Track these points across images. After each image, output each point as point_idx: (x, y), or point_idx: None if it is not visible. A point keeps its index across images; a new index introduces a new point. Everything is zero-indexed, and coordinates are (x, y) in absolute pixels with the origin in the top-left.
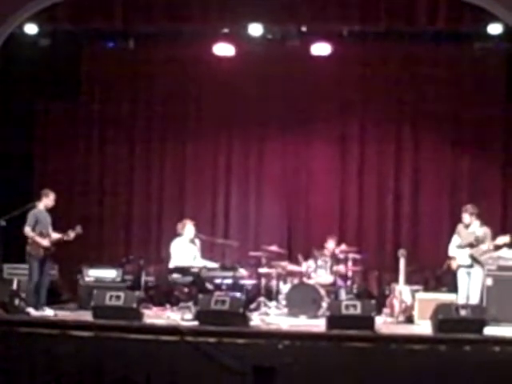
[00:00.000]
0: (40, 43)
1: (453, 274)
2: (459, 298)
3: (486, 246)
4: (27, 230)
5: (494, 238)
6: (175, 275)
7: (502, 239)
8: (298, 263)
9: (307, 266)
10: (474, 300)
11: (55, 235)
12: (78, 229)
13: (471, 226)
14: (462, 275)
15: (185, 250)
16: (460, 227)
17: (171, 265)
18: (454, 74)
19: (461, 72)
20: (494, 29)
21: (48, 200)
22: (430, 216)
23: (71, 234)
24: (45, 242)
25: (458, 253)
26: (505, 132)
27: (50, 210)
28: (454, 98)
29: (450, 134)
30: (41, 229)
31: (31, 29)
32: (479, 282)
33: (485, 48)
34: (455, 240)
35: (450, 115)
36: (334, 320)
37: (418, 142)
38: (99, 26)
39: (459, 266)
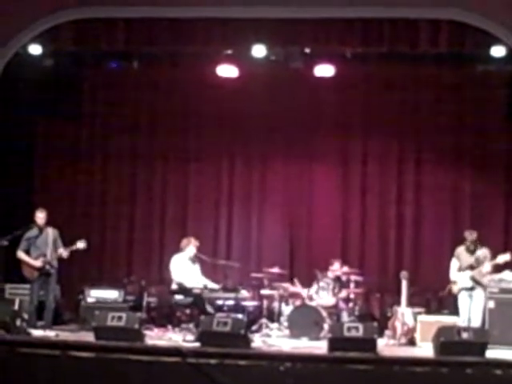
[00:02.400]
0: (43, 64)
1: (454, 297)
2: (461, 321)
3: (486, 267)
4: (18, 253)
5: (494, 257)
6: (177, 296)
7: (503, 257)
8: (300, 283)
9: (307, 289)
10: (476, 323)
11: (54, 254)
12: (80, 244)
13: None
14: (463, 298)
15: (184, 267)
16: (459, 250)
17: (173, 282)
18: (457, 96)
19: (463, 94)
20: (497, 51)
21: (36, 218)
22: (432, 238)
23: (65, 253)
24: (37, 264)
25: (458, 276)
26: (507, 154)
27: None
28: (456, 120)
29: (452, 155)
30: (36, 249)
31: (35, 49)
32: (481, 304)
33: (487, 70)
34: (454, 264)
35: (452, 137)
36: (336, 342)
37: (420, 163)
38: (102, 47)
39: (460, 289)
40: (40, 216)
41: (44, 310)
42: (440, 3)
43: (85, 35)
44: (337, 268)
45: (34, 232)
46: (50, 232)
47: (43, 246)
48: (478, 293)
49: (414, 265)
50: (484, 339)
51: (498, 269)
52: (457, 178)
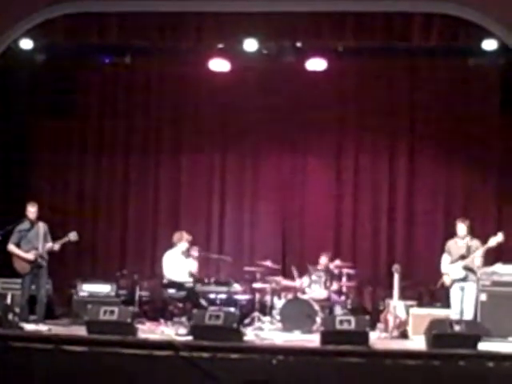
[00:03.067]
0: (35, 58)
1: (446, 290)
2: (453, 314)
3: (477, 260)
4: (9, 246)
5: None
6: (169, 290)
7: (495, 239)
8: (292, 276)
9: (301, 281)
10: (468, 315)
11: (46, 246)
12: (72, 236)
13: (462, 241)
14: (455, 290)
15: (177, 263)
16: (449, 244)
17: (165, 278)
18: (449, 89)
19: (455, 87)
20: (489, 45)
21: (27, 212)
22: (424, 231)
23: (56, 246)
24: (29, 256)
25: (450, 268)
26: (499, 147)
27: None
28: (448, 112)
29: (444, 148)
30: (27, 243)
31: (27, 44)
32: (473, 297)
33: (479, 64)
34: (445, 258)
35: (445, 130)
36: (328, 335)
37: (412, 156)
38: (95, 41)
39: (453, 281)
40: (31, 210)
41: (36, 304)
42: None
43: (77, 29)
44: (324, 262)
45: (25, 225)
46: (41, 226)
47: (34, 240)
48: (470, 285)
49: (406, 258)
50: (476, 332)
51: (489, 261)
52: (449, 172)
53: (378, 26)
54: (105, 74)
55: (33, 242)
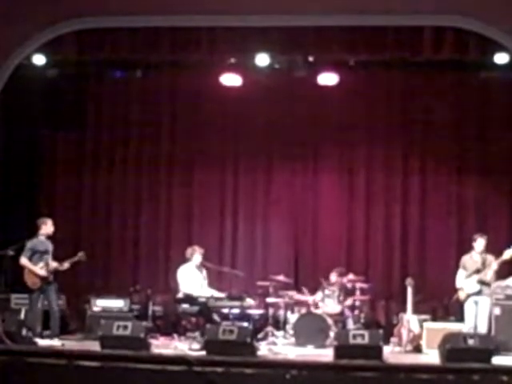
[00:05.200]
0: (47, 74)
1: (460, 304)
2: (466, 328)
3: (490, 273)
4: (22, 259)
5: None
6: (183, 305)
7: (509, 252)
8: (320, 286)
9: (314, 295)
10: (482, 329)
11: (53, 264)
12: (81, 255)
13: (476, 254)
14: (469, 304)
15: (192, 277)
16: (464, 259)
17: (180, 292)
18: (460, 102)
19: (466, 100)
20: (501, 58)
21: (47, 227)
22: (437, 245)
23: (65, 265)
24: (42, 272)
25: (465, 282)
26: (510, 160)
27: (54, 239)
28: (459, 125)
29: (456, 161)
30: (39, 258)
31: (39, 59)
32: (487, 311)
33: (491, 77)
34: (461, 273)
35: (456, 143)
36: (342, 350)
37: (424, 169)
38: (106, 57)
39: (468, 296)
40: (50, 225)
41: (49, 320)
42: (443, 10)
43: (88, 45)
44: (334, 279)
45: (39, 241)
46: (50, 243)
47: (46, 256)
48: (484, 300)
49: (419, 272)
50: (490, 346)
51: (503, 275)
52: (461, 185)
53: (389, 39)
54: (116, 89)
55: (45, 259)
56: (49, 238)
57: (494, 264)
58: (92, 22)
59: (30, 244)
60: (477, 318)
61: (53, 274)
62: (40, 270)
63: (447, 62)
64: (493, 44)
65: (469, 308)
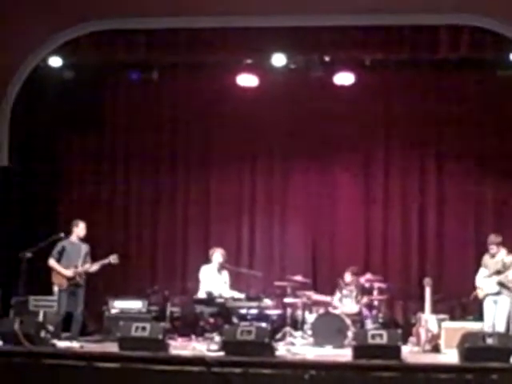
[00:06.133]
0: (64, 76)
1: (479, 303)
2: (486, 327)
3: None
4: (50, 260)
5: None
6: (201, 306)
7: None
8: (338, 286)
9: (333, 296)
10: (501, 328)
11: (82, 266)
12: (113, 258)
13: (498, 255)
14: (488, 304)
15: (213, 278)
16: (485, 258)
17: (200, 292)
18: (478, 101)
19: (484, 100)
20: None
21: (78, 229)
22: (455, 245)
23: (94, 266)
24: (68, 273)
25: (484, 282)
26: None
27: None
28: (477, 125)
29: (473, 162)
30: (67, 260)
31: (55, 61)
32: (506, 310)
33: (507, 75)
34: (482, 272)
35: (474, 143)
36: (361, 349)
37: (442, 169)
38: (122, 58)
39: (486, 295)
40: (82, 227)
41: (71, 322)
42: (460, 9)
43: (105, 47)
44: (349, 279)
45: (69, 242)
46: (83, 246)
47: (75, 258)
48: (503, 299)
49: (437, 271)
50: (509, 345)
51: None
52: (479, 185)
53: (406, 38)
54: (132, 90)
55: (73, 260)
56: (82, 240)
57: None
58: (108, 24)
59: (59, 245)
60: (495, 317)
61: (81, 276)
62: (66, 271)
63: (464, 60)
64: (509, 42)
65: (488, 307)
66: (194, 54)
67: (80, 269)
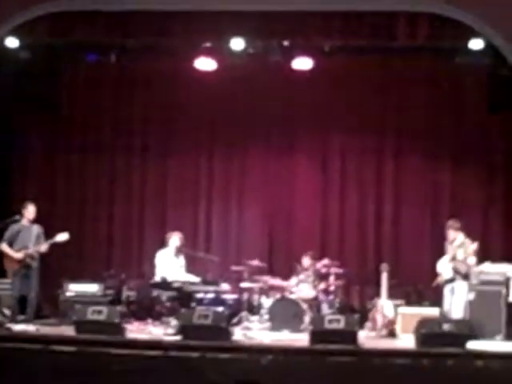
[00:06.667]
0: (21, 56)
1: (435, 289)
2: (442, 312)
3: (471, 259)
4: (1, 244)
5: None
6: (158, 290)
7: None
8: (295, 271)
9: (289, 280)
10: (457, 314)
11: (32, 247)
12: (60, 237)
13: (456, 241)
14: (446, 290)
15: (169, 262)
16: (446, 245)
17: (156, 277)
18: (435, 88)
19: (442, 87)
20: (475, 44)
21: (27, 212)
22: (412, 230)
23: (43, 246)
24: (18, 255)
25: (444, 268)
26: (485, 146)
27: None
28: (434, 111)
29: (430, 147)
30: (19, 243)
31: (12, 42)
32: (462, 296)
33: (466, 63)
34: (444, 258)
35: (431, 129)
36: (318, 334)
37: (399, 155)
38: (80, 40)
39: (445, 282)
40: (30, 210)
41: (25, 305)
42: None
43: (62, 28)
44: (307, 263)
45: (19, 225)
46: (35, 227)
47: (27, 240)
48: (459, 284)
49: (393, 257)
50: (465, 331)
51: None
52: (436, 171)
53: (365, 25)
54: (90, 73)
55: (24, 242)
56: (34, 222)
57: (461, 252)
58: (66, 5)
59: (9, 229)
60: (452, 302)
61: (33, 258)
62: (16, 253)
63: (422, 48)
64: (467, 30)
65: (446, 293)
66: (151, 36)
67: (31, 250)
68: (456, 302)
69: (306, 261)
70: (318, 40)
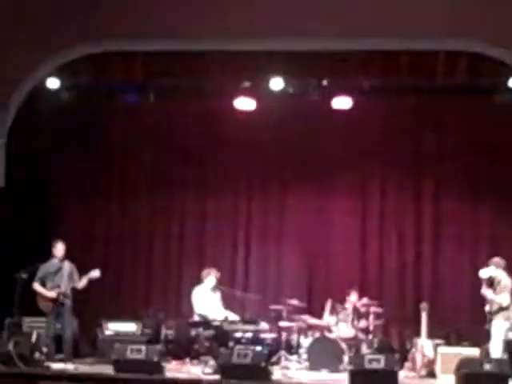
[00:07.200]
0: (61, 97)
1: (474, 328)
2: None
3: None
4: (33, 285)
5: None
6: (196, 329)
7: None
8: (318, 315)
9: (328, 319)
10: (496, 354)
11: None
12: (93, 273)
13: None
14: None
15: (207, 299)
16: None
17: (195, 315)
18: (474, 127)
19: (480, 125)
20: None
21: (56, 250)
22: (451, 269)
23: (81, 283)
24: (51, 294)
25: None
26: None
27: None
28: (473, 151)
29: (470, 187)
30: (51, 281)
31: (53, 83)
32: (501, 335)
33: (504, 101)
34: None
35: (470, 168)
36: (358, 374)
37: (438, 195)
38: (119, 81)
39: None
40: (59, 248)
41: (62, 343)
42: (457, 34)
43: (102, 68)
44: (354, 299)
45: (50, 264)
46: (67, 265)
47: (58, 278)
48: (496, 323)
49: (433, 296)
50: (506, 370)
51: None
52: (475, 212)
53: (403, 63)
54: (129, 113)
55: (57, 281)
56: (63, 259)
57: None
58: (105, 46)
59: (41, 268)
60: (491, 342)
61: (67, 296)
62: (49, 292)
63: (461, 86)
64: (506, 68)
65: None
66: (191, 76)
67: (63, 289)
68: (495, 341)
69: (353, 296)
70: (357, 79)
